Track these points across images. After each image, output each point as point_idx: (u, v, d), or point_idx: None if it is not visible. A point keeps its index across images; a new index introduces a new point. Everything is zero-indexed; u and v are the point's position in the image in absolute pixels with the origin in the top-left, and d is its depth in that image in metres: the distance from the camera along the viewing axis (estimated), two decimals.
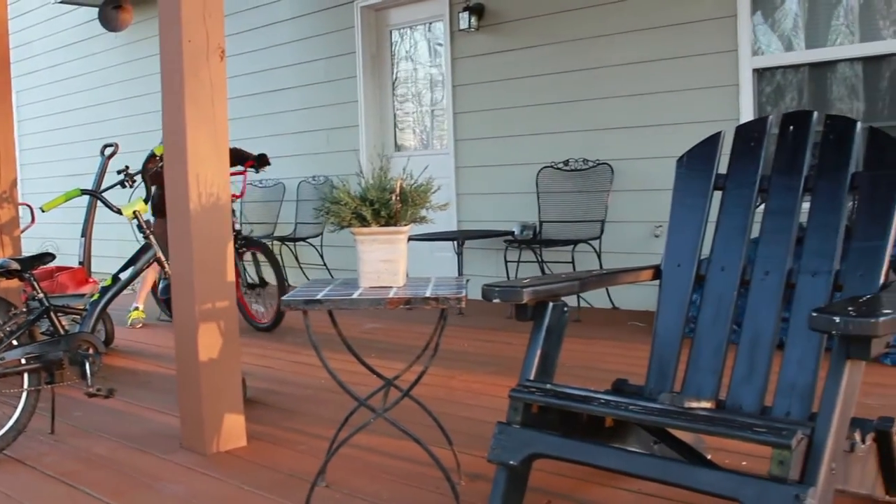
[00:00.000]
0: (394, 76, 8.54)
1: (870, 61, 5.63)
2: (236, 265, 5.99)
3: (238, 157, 6.41)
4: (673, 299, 2.87)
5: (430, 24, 8.14)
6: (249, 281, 6.50)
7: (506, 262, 6.75)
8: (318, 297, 2.67)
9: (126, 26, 8.24)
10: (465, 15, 7.36)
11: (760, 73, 6.01)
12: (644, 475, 2.19)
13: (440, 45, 7.97)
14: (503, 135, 7.30)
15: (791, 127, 2.85)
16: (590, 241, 6.41)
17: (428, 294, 2.63)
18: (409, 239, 6.68)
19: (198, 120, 3.46)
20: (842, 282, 2.57)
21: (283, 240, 8.47)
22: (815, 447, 1.99)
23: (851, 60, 5.70)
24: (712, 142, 2.99)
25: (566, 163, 6.82)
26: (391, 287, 2.78)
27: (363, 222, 2.73)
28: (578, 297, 6.37)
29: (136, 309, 6.75)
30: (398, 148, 8.54)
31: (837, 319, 1.91)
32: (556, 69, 6.95)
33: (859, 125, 2.72)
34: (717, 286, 2.81)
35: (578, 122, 6.83)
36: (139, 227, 4.84)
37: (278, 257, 6.58)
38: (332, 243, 8.21)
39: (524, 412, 2.42)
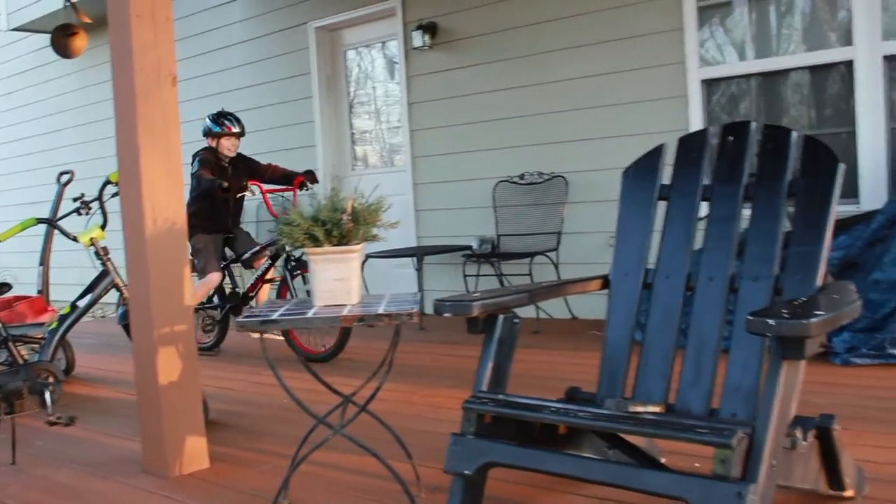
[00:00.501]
0: (350, 95, 8.60)
1: (816, 70, 5.78)
2: (288, 287, 5.94)
3: (283, 177, 6.39)
4: (621, 308, 2.95)
5: (385, 42, 8.21)
6: None
7: (464, 276, 6.81)
8: (274, 317, 2.72)
9: (79, 53, 8.20)
10: (419, 33, 7.45)
11: (709, 84, 6.15)
12: (594, 479, 2.25)
13: (395, 63, 8.04)
14: (460, 150, 7.39)
15: (731, 137, 2.94)
16: (547, 253, 6.49)
17: (381, 311, 2.68)
18: (369, 256, 6.74)
19: (151, 146, 3.50)
20: (781, 286, 2.66)
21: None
22: (755, 445, 2.06)
23: (799, 69, 5.85)
24: (655, 153, 3.08)
25: (522, 176, 6.91)
26: (346, 305, 2.83)
27: (316, 242, 2.78)
28: (537, 308, 6.45)
29: None
30: (356, 166, 8.59)
31: (772, 322, 1.99)
32: (509, 85, 7.05)
33: (795, 134, 2.81)
34: (663, 293, 2.89)
35: (533, 137, 6.93)
36: (96, 253, 4.84)
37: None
38: None
39: (477, 423, 2.48)
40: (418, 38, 7.46)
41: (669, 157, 3.04)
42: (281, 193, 6.45)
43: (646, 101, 6.32)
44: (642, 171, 3.07)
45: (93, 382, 5.75)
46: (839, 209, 5.28)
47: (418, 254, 6.91)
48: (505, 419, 2.51)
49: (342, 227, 2.75)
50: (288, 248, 5.88)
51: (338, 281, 2.81)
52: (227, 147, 6.27)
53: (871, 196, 5.42)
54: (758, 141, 2.89)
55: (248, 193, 6.28)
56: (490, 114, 7.17)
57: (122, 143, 3.56)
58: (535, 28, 6.87)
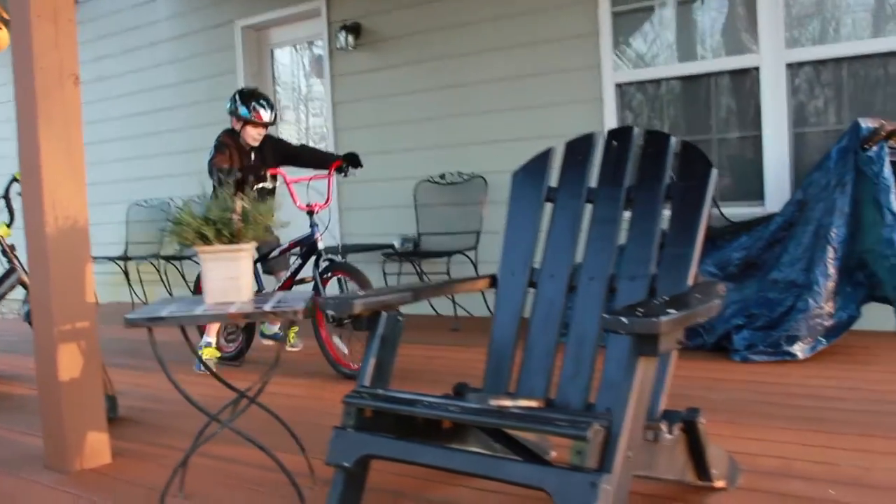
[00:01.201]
0: (276, 95, 8.61)
1: (725, 75, 5.95)
2: (318, 293, 5.16)
3: (316, 160, 5.70)
4: (507, 306, 3.05)
5: (311, 42, 8.25)
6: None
7: (384, 274, 6.88)
8: (162, 314, 2.77)
9: (3, 47, 8.11)
10: (343, 34, 7.49)
11: (622, 88, 6.29)
12: (459, 469, 2.34)
13: (321, 63, 8.08)
14: (383, 150, 7.44)
15: (615, 142, 3.05)
16: (466, 252, 6.59)
17: (267, 308, 2.75)
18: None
19: (52, 144, 3.51)
20: (657, 285, 2.78)
21: (168, 259, 8.46)
22: (611, 437, 2.16)
23: (709, 75, 6.01)
24: (544, 157, 3.18)
25: (443, 176, 7.00)
26: (234, 302, 2.89)
27: (206, 241, 2.83)
28: (455, 306, 6.55)
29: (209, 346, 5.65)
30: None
31: (625, 320, 2.09)
32: (431, 85, 7.14)
33: (674, 140, 2.93)
34: (547, 292, 2.99)
35: (454, 137, 7.03)
36: (3, 251, 4.83)
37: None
38: None
39: (357, 417, 2.56)
40: (342, 39, 7.50)
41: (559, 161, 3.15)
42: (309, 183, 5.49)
43: (563, 103, 6.44)
44: (530, 173, 3.18)
45: (7, 380, 5.72)
46: (744, 211, 5.52)
47: (340, 252, 6.96)
48: (386, 413, 2.59)
49: (232, 226, 2.81)
50: (320, 247, 5.30)
51: (229, 279, 2.86)
52: (253, 136, 5.49)
53: (775, 198, 5.60)
54: (640, 146, 3.01)
55: (267, 184, 5.33)
56: (413, 114, 7.26)
57: (24, 142, 3.58)
58: (456, 30, 6.96)
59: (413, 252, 6.92)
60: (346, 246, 7.35)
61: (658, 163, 2.93)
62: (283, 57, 8.58)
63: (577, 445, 2.13)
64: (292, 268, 5.56)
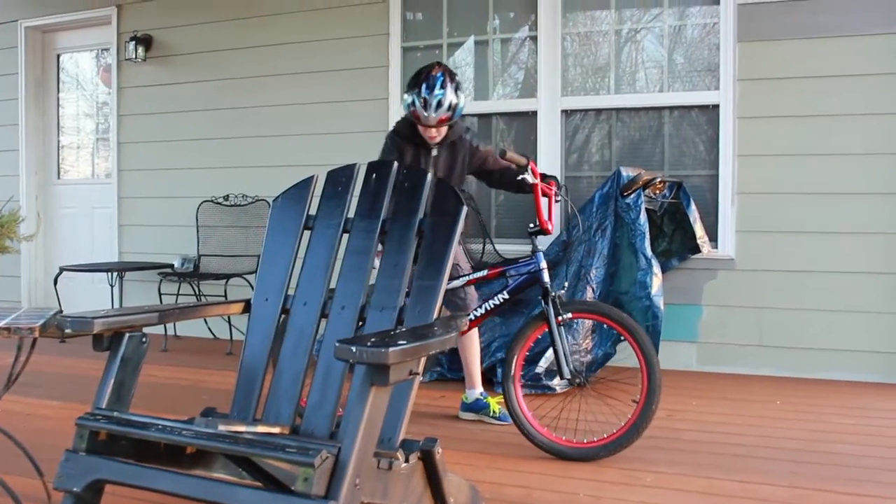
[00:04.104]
0: (60, 102, 8.26)
1: (509, 116, 6.19)
2: (555, 345, 3.96)
3: (515, 183, 4.27)
4: (259, 331, 3.04)
5: (100, 51, 7.98)
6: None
7: (160, 294, 6.70)
8: None
9: None
10: (132, 45, 7.29)
11: None
12: (188, 495, 2.31)
13: (109, 73, 7.83)
14: (168, 167, 7.29)
15: (374, 175, 3.12)
16: (246, 276, 6.52)
17: (2, 324, 2.64)
18: (63, 269, 6.44)
19: None
20: (404, 316, 2.84)
21: None
22: (340, 465, 2.20)
23: (500, 114, 6.24)
24: (305, 184, 3.22)
25: (226, 198, 6.91)
26: None
27: None
28: (232, 329, 6.47)
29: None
30: (63, 175, 8.24)
31: (354, 349, 2.13)
32: (220, 105, 7.07)
33: (430, 175, 3.02)
34: (299, 319, 3.01)
35: (240, 159, 6.97)
36: None
37: None
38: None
39: (90, 439, 2.48)
40: (132, 50, 7.30)
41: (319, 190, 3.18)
42: None
43: (355, 132, 6.51)
44: (290, 200, 3.20)
45: None
46: (517, 248, 5.70)
47: (116, 269, 6.74)
48: (125, 437, 2.53)
49: None
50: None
51: None
52: (429, 135, 4.19)
53: (546, 238, 5.83)
54: (398, 180, 3.08)
55: None
56: (200, 132, 7.16)
57: None
58: (249, 51, 6.93)
59: (191, 273, 6.77)
60: (123, 263, 7.14)
61: (414, 197, 3.01)
62: (72, 63, 8.24)
63: (304, 472, 2.15)
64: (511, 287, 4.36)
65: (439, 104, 4.03)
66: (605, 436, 3.79)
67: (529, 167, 4.08)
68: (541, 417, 4.02)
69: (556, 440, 3.86)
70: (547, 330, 3.98)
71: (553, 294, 3.97)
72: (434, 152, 4.27)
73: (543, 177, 4.18)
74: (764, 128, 5.48)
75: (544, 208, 4.11)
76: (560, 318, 3.93)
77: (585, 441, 3.83)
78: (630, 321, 3.87)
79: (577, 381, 4.02)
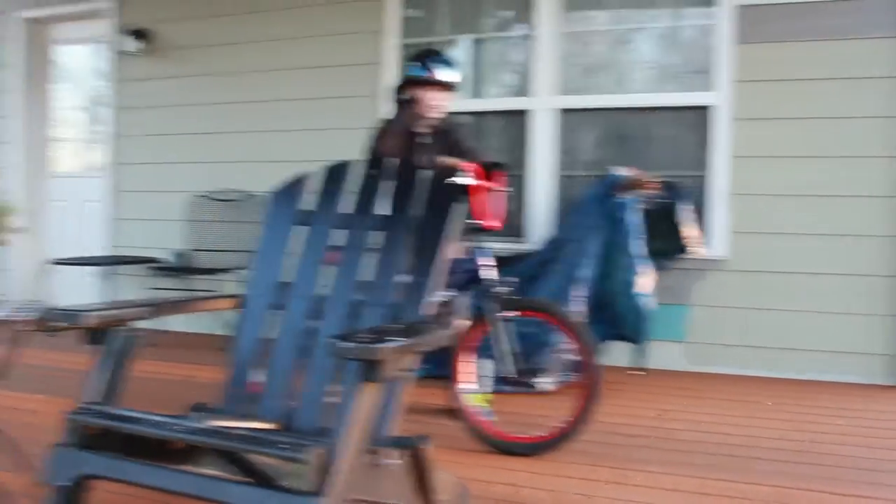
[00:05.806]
0: (54, 94, 8.23)
1: (499, 115, 6.19)
2: (496, 345, 3.99)
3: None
4: (250, 327, 3.04)
5: (97, 43, 7.95)
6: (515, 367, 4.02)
7: (154, 288, 6.68)
8: None
9: None
10: (131, 38, 7.28)
11: None
12: (183, 491, 2.31)
13: (106, 65, 7.81)
14: (164, 161, 7.29)
15: (372, 171, 3.12)
16: (238, 270, 6.51)
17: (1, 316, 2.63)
18: (58, 262, 6.43)
19: None
20: (399, 313, 2.85)
21: None
22: (331, 461, 2.20)
23: (488, 113, 6.24)
24: (301, 180, 3.22)
25: (221, 193, 6.90)
26: None
27: None
28: (223, 323, 6.46)
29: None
30: (56, 168, 8.21)
31: (346, 346, 2.13)
32: (216, 100, 7.06)
33: (426, 173, 3.02)
34: (292, 315, 3.01)
35: (235, 153, 6.97)
36: None
37: None
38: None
39: (81, 434, 2.48)
40: (130, 43, 7.29)
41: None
42: None
43: (346, 128, 6.48)
44: (286, 195, 3.20)
45: None
46: (511, 246, 5.72)
47: (109, 263, 6.73)
48: (114, 432, 2.52)
49: None
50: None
51: None
52: (432, 103, 4.26)
53: (538, 236, 5.86)
54: (396, 177, 3.08)
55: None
56: (196, 127, 7.15)
57: None
58: (246, 46, 6.93)
59: (183, 268, 6.76)
60: (116, 257, 7.12)
61: (411, 194, 3.01)
62: (69, 56, 8.21)
63: (297, 468, 2.15)
64: None
65: (451, 65, 4.22)
66: (546, 433, 3.84)
67: (465, 169, 4.02)
68: (498, 414, 4.05)
69: (503, 436, 3.91)
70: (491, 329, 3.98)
71: (497, 292, 3.97)
72: (426, 141, 4.32)
73: (489, 165, 4.12)
74: (758, 129, 5.49)
75: (480, 205, 4.07)
76: (501, 315, 3.92)
77: (529, 436, 3.88)
78: (573, 319, 3.91)
79: (526, 380, 4.08)
